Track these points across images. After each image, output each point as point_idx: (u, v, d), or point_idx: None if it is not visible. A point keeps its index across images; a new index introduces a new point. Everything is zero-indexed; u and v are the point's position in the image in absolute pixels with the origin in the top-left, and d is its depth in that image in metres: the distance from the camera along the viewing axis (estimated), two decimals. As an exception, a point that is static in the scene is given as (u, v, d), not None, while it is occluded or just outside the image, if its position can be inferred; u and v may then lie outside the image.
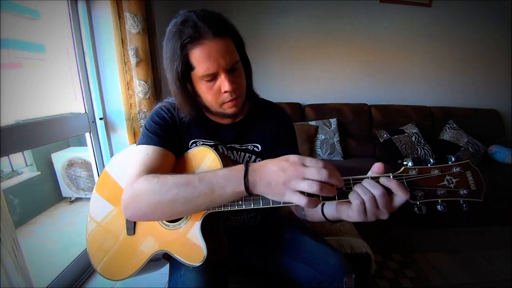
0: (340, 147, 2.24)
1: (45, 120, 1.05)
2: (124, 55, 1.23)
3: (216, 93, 0.62)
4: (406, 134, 2.25)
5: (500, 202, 1.86)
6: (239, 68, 0.63)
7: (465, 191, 0.47)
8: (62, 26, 1.21)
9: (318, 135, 2.25)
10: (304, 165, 0.46)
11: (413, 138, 2.23)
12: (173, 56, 0.59)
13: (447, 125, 2.35)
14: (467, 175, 0.47)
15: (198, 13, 0.58)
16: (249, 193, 0.49)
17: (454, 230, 1.91)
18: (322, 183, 0.44)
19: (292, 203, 0.48)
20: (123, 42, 1.22)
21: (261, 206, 0.53)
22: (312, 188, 0.44)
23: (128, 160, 0.70)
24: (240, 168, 0.50)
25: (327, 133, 2.26)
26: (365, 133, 2.42)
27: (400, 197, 0.46)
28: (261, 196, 0.52)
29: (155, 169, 0.59)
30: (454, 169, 0.48)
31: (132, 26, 1.19)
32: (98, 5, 1.23)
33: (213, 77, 0.60)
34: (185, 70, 0.60)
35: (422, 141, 2.23)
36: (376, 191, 0.46)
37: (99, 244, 0.72)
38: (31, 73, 1.82)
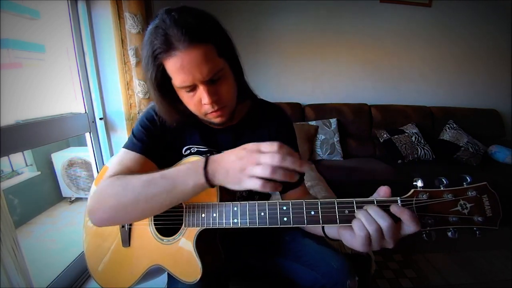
0: (340, 147, 2.25)
1: (45, 120, 1.04)
2: (124, 55, 1.23)
3: (197, 103, 0.58)
4: (406, 134, 2.25)
5: (500, 202, 1.86)
6: (223, 76, 0.56)
7: (479, 219, 0.42)
8: (62, 26, 1.20)
9: (318, 135, 2.26)
10: (260, 151, 0.45)
11: (413, 138, 2.23)
12: (147, 65, 0.56)
13: (447, 125, 2.35)
14: (483, 200, 0.43)
15: (172, 16, 0.51)
16: (210, 184, 0.48)
17: (454, 230, 1.91)
18: (276, 167, 0.43)
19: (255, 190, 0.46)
20: (123, 42, 1.22)
21: (257, 226, 0.51)
22: (265, 172, 0.43)
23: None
24: (201, 159, 0.50)
25: (327, 133, 2.26)
26: (365, 133, 2.42)
27: (410, 227, 0.43)
28: (258, 214, 0.51)
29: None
30: (469, 193, 0.43)
31: (132, 26, 1.19)
32: (98, 5, 1.22)
33: (192, 88, 0.56)
34: (163, 78, 0.56)
35: (422, 141, 2.23)
36: (384, 222, 0.43)
37: (96, 254, 0.70)
38: (31, 73, 1.82)
